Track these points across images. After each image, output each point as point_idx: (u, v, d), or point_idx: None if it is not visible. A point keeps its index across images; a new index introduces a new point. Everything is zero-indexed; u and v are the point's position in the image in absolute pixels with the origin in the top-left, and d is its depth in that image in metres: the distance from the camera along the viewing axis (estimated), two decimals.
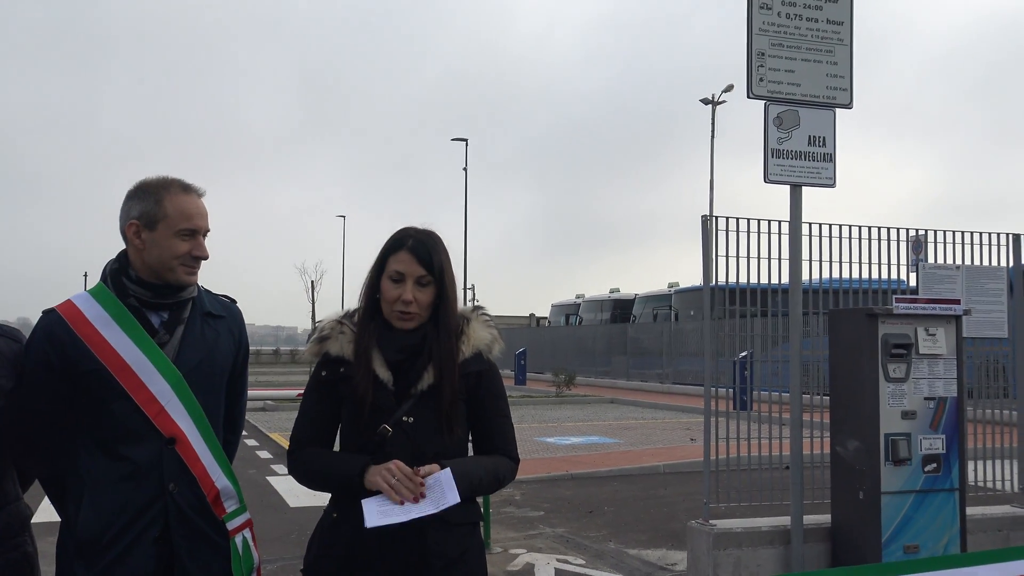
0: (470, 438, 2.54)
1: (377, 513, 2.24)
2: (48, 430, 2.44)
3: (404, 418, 2.38)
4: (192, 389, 2.42)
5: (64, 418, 2.42)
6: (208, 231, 2.49)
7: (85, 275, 46.11)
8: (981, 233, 6.08)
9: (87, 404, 2.38)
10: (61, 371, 2.36)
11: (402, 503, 2.25)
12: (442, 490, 2.26)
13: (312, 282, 27.81)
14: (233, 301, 2.69)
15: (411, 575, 2.33)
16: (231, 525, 2.47)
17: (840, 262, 5.80)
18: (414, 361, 2.40)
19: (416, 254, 2.41)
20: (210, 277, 2.61)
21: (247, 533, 2.52)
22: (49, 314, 2.42)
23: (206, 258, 2.47)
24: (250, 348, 2.78)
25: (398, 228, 2.50)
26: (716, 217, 5.57)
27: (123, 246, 2.49)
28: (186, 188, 2.46)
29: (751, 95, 5.16)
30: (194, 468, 2.40)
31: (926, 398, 5.07)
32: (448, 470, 2.29)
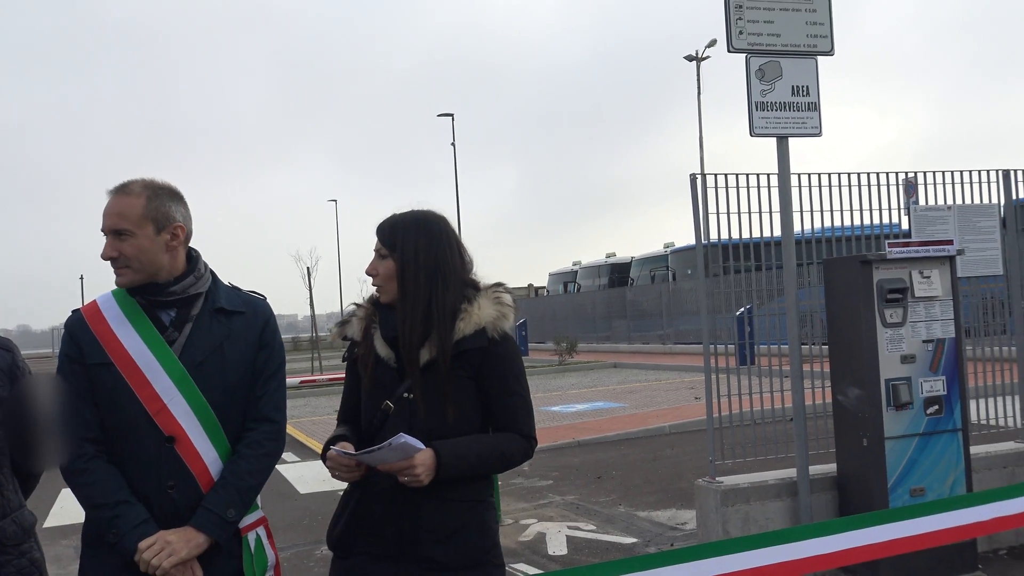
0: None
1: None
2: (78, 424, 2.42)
3: (405, 395, 2.42)
4: (199, 386, 2.38)
5: (87, 412, 2.40)
6: (118, 230, 2.36)
7: (81, 278, 46.03)
8: (972, 171, 6.05)
9: (99, 399, 2.38)
10: (81, 366, 2.40)
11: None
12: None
13: (308, 268, 27.69)
14: (263, 298, 2.63)
15: (407, 545, 2.37)
16: (241, 523, 2.43)
17: (832, 211, 5.75)
18: None
19: (378, 230, 2.52)
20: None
21: (261, 531, 2.48)
22: (73, 313, 2.48)
23: (106, 259, 2.40)
24: None
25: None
26: (705, 175, 5.53)
27: None
28: (112, 190, 2.44)
29: (731, 49, 5.12)
30: (194, 467, 2.36)
31: (924, 341, 5.08)
32: (405, 439, 2.23)
